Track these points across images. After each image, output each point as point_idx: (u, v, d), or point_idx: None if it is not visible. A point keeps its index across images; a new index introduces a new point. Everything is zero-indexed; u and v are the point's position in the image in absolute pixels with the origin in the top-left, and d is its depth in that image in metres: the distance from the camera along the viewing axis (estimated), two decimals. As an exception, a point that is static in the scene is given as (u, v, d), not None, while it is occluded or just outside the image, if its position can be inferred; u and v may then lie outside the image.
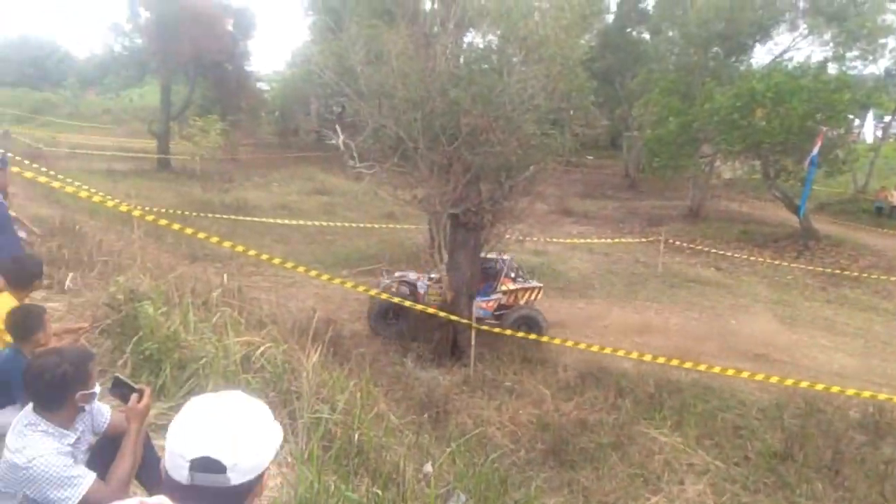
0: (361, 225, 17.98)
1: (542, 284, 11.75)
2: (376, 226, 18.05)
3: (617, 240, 19.79)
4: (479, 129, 7.61)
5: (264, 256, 10.75)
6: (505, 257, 11.36)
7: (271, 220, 18.54)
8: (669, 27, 25.63)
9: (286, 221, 18.47)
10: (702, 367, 8.56)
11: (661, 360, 8.79)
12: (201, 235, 11.12)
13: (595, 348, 9.32)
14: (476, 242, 9.85)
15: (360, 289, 10.39)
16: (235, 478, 1.28)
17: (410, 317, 10.17)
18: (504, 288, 11.15)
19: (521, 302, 11.17)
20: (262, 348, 4.37)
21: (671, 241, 18.38)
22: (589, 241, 19.37)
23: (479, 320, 9.71)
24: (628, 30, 30.87)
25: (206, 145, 26.14)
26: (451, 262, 9.73)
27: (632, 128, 28.91)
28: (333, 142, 8.31)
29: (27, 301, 3.72)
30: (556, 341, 9.60)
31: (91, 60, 45.76)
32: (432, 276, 10.84)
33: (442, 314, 9.42)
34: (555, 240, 18.44)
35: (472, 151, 7.89)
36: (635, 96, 26.41)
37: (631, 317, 13.19)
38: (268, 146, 35.98)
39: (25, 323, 3.12)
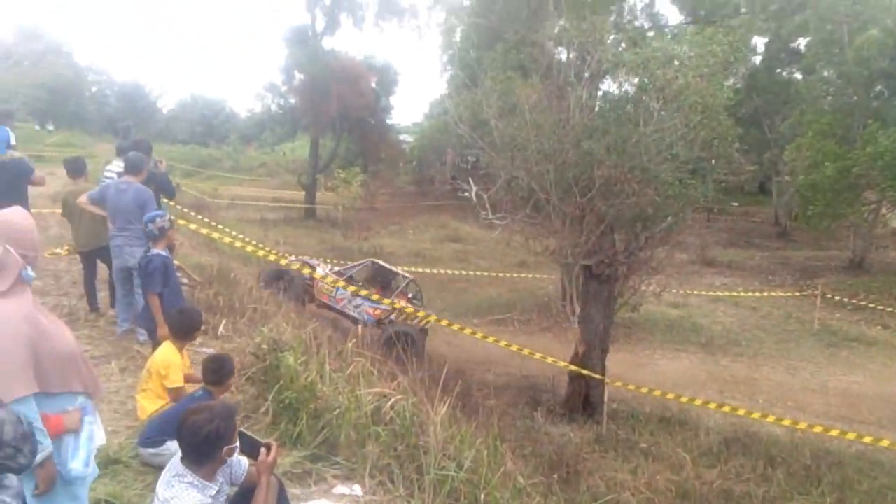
0: (493, 273, 18.02)
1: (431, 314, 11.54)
2: (508, 274, 18.04)
3: (766, 293, 18.34)
4: (613, 180, 7.44)
5: (397, 304, 11.06)
6: (409, 276, 12.43)
7: (406, 268, 19.07)
8: (824, 66, 23.94)
9: (420, 269, 18.90)
10: (867, 440, 7.63)
11: (819, 428, 7.95)
12: (341, 284, 11.71)
13: (741, 412, 8.60)
14: (610, 295, 9.54)
15: (491, 339, 10.34)
16: None
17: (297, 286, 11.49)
18: (397, 303, 11.31)
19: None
20: (392, 400, 4.42)
21: (829, 295, 16.76)
22: (734, 293, 18.12)
23: (356, 321, 10.14)
24: (778, 70, 29.21)
25: (348, 195, 27.62)
26: (583, 314, 9.48)
27: (782, 173, 27.02)
28: (467, 193, 8.44)
29: (187, 348, 4.06)
30: (698, 402, 8.96)
31: (251, 118, 50.28)
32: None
33: (573, 368, 9.15)
34: (696, 292, 17.45)
35: (606, 202, 7.71)
36: (786, 139, 24.72)
37: (783, 378, 12.12)
38: (405, 195, 37.42)
39: (222, 370, 3.53)
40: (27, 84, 38.00)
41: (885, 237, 24.64)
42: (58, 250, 8.46)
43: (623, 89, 8.15)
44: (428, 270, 18.87)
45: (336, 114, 27.11)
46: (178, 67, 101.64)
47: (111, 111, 56.31)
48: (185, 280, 7.74)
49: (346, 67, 27.17)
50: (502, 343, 10.22)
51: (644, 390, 9.32)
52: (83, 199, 5.71)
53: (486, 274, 18.38)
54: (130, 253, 5.53)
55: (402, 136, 39.78)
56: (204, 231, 10.61)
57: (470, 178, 8.85)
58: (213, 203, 28.57)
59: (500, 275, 17.99)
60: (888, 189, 17.54)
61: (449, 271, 19.07)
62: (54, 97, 44.97)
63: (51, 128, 48.87)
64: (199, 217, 15.62)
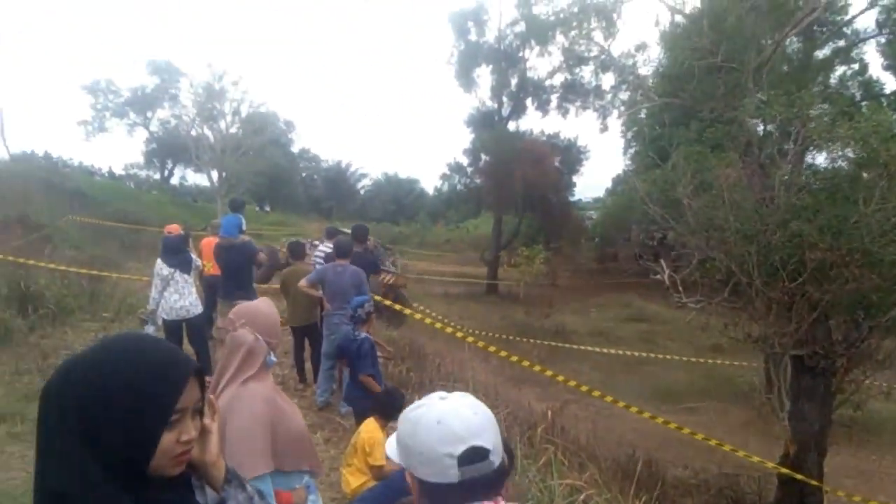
0: (684, 357, 16.89)
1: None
2: (701, 360, 16.82)
3: None
4: (828, 264, 6.76)
5: (584, 388, 10.74)
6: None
7: (589, 348, 18.55)
8: None
9: (603, 349, 18.29)
10: None
11: None
12: (525, 363, 11.66)
13: None
14: (826, 390, 8.51)
15: (685, 430, 9.62)
16: (496, 459, 1.34)
17: None
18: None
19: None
20: (584, 494, 4.26)
21: None
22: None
23: None
24: None
25: (530, 272, 27.82)
26: (794, 409, 8.53)
27: None
28: (658, 276, 8.13)
29: (389, 427, 4.26)
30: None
31: (438, 197, 53.09)
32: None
33: (784, 471, 8.18)
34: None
35: (819, 288, 7.00)
36: None
37: None
38: (586, 272, 36.93)
39: None
40: (251, 171, 43.62)
41: None
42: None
43: (836, 165, 7.48)
44: (612, 351, 18.19)
45: (520, 193, 27.79)
46: (375, 149, 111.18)
47: (317, 193, 62.69)
48: (380, 354, 8.21)
49: (531, 148, 27.95)
50: (699, 436, 9.44)
51: (872, 504, 8.06)
52: (303, 282, 6.35)
53: (676, 357, 17.28)
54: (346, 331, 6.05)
55: (584, 213, 39.66)
56: (397, 307, 11.24)
57: (661, 260, 8.52)
58: (402, 278, 30.31)
59: (692, 359, 16.81)
60: None
61: (636, 353, 18.22)
62: (271, 182, 51.09)
63: (267, 209, 55.41)
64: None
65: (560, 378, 11.09)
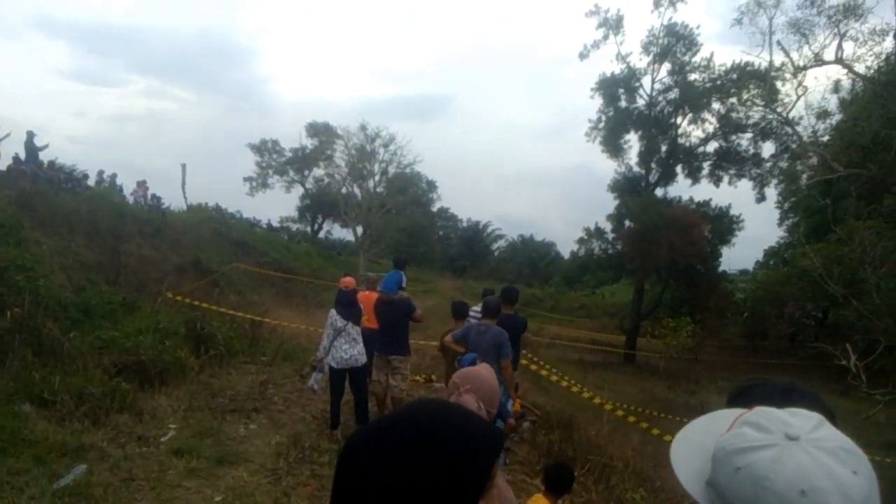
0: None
1: None
2: (877, 458, 14.90)
3: None
4: None
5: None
6: None
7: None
8: None
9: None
10: None
11: None
12: (668, 438, 10.90)
13: None
14: None
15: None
16: None
17: None
18: None
19: None
20: None
21: None
22: None
23: None
24: None
25: (675, 344, 26.44)
26: None
27: None
28: (844, 362, 7.37)
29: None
30: None
31: (574, 261, 52.30)
32: None
33: None
34: None
35: None
36: None
37: None
38: (733, 348, 34.42)
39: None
40: (392, 229, 45.56)
41: None
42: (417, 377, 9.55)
43: None
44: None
45: (664, 262, 26.76)
46: (512, 211, 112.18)
47: (453, 252, 64.03)
48: (529, 417, 8.02)
49: (679, 216, 26.96)
50: None
51: None
52: (448, 338, 6.41)
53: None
54: None
55: (732, 285, 37.35)
56: (533, 367, 11.02)
57: (848, 346, 7.74)
58: (535, 340, 29.82)
59: (875, 459, 14.87)
60: None
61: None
62: (410, 239, 52.92)
63: (406, 264, 57.21)
64: (527, 354, 16.39)
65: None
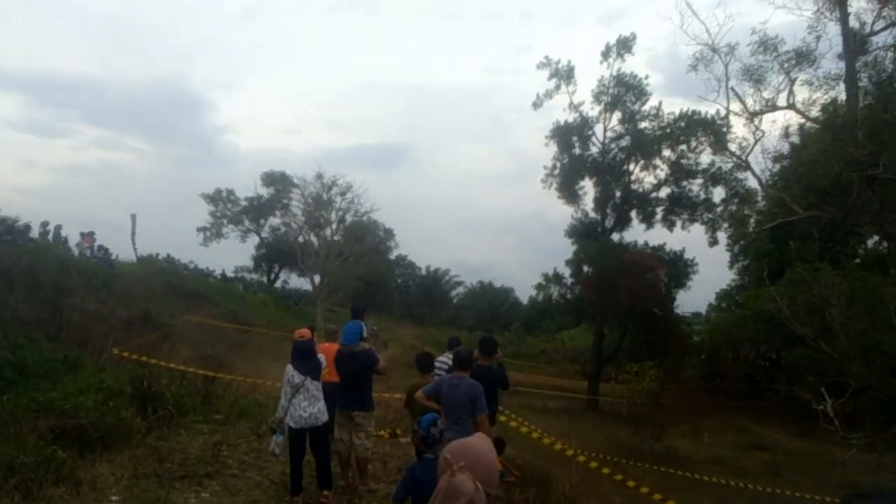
0: (828, 499, 14.95)
1: None
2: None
3: None
4: None
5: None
6: None
7: (707, 478, 16.86)
8: None
9: (726, 481, 16.54)
10: None
11: None
12: (644, 490, 10.60)
13: None
14: None
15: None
16: None
17: None
18: None
19: None
20: None
21: None
22: None
23: None
24: None
25: (639, 389, 26.43)
26: None
27: None
28: (822, 407, 7.25)
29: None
30: None
31: (533, 307, 52.42)
32: None
33: None
34: None
35: None
36: None
37: None
38: (692, 392, 34.62)
39: None
40: (350, 277, 45.00)
41: None
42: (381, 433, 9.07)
43: None
44: (734, 483, 16.43)
45: (624, 306, 26.91)
46: (470, 258, 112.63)
47: (412, 299, 63.52)
48: (506, 478, 7.62)
49: (637, 260, 27.30)
50: None
51: None
52: (419, 393, 6.01)
53: (813, 497, 15.31)
54: None
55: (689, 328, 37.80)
56: (503, 419, 10.63)
57: (823, 389, 7.65)
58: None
59: (836, 501, 14.79)
60: None
61: (765, 489, 16.34)
62: (368, 287, 52.31)
63: (364, 313, 56.47)
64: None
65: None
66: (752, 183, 31.04)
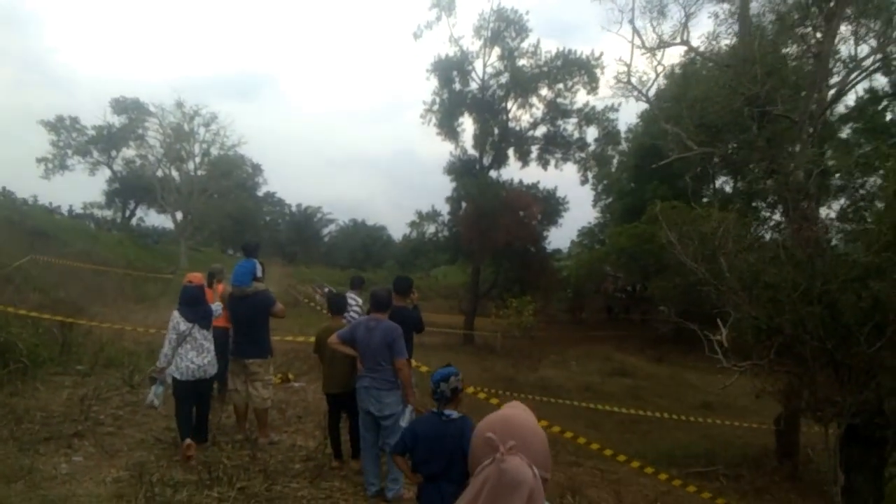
0: (684, 418, 16.25)
1: None
2: (701, 420, 16.21)
3: None
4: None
5: (608, 452, 10.01)
6: None
7: (581, 404, 17.80)
8: None
9: (596, 406, 17.56)
10: None
11: None
12: (542, 423, 10.85)
13: None
14: (879, 461, 7.98)
15: (721, 501, 8.93)
16: None
17: None
18: None
19: None
20: None
21: None
22: None
23: None
24: None
25: (518, 323, 27.30)
26: (847, 484, 7.92)
27: None
28: (718, 337, 7.54)
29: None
30: None
31: (408, 244, 52.43)
32: None
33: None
34: None
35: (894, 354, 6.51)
36: None
37: None
38: (559, 323, 36.51)
39: None
40: (217, 215, 42.40)
41: None
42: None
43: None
44: (604, 408, 17.48)
45: (501, 243, 27.40)
46: (343, 196, 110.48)
47: (282, 237, 61.41)
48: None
49: (515, 198, 27.71)
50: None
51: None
52: (334, 338, 5.51)
53: (673, 417, 16.60)
54: (377, 397, 5.18)
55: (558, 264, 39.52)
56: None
57: (719, 321, 7.96)
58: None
59: (693, 419, 16.17)
60: None
61: (627, 410, 17.53)
62: (237, 226, 49.83)
63: (230, 251, 53.93)
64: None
65: (581, 440, 10.37)
66: (622, 124, 32.38)
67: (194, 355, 5.91)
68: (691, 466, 13.84)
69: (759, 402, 15.13)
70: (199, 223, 38.98)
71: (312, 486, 5.40)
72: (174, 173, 38.21)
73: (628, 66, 11.99)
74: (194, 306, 6.04)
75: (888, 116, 20.89)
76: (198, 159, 38.33)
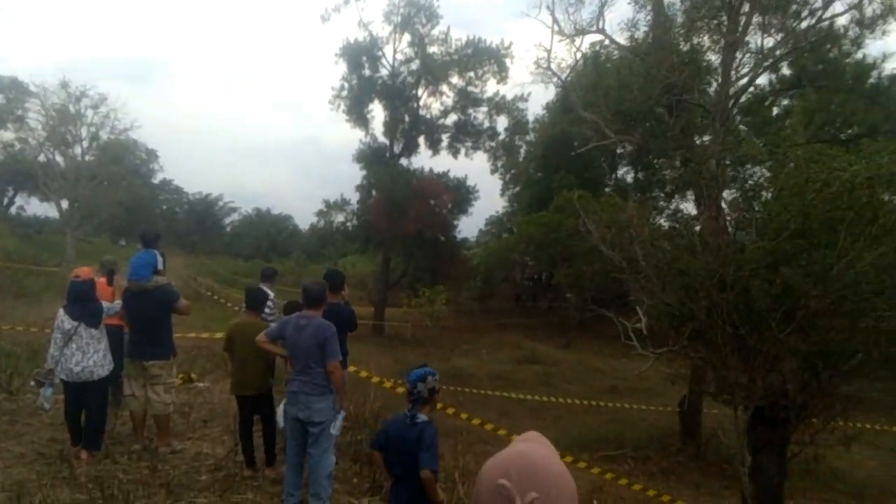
0: (594, 403, 16.63)
1: None
2: (608, 404, 16.64)
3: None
4: (818, 313, 6.48)
5: (502, 431, 9.96)
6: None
7: (492, 392, 17.88)
8: None
9: (507, 394, 17.70)
10: None
11: None
12: (438, 405, 10.68)
13: None
14: (782, 442, 8.31)
15: (637, 486, 9.08)
16: None
17: None
18: None
19: None
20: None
21: None
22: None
23: None
24: None
25: (430, 313, 27.13)
26: (754, 464, 8.20)
27: None
28: (637, 325, 7.55)
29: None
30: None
31: (315, 233, 51.18)
32: None
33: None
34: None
35: (805, 338, 6.71)
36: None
37: None
38: (469, 313, 36.73)
39: None
40: (107, 203, 39.65)
41: None
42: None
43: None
44: (515, 395, 17.65)
45: (412, 232, 27.13)
46: (245, 184, 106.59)
47: (180, 227, 58.42)
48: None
49: (425, 187, 27.46)
50: (650, 492, 8.93)
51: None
52: (262, 337, 4.97)
53: (580, 402, 16.93)
54: (307, 403, 4.70)
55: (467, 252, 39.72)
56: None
57: (638, 307, 7.99)
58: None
59: (601, 403, 16.56)
60: None
61: (538, 397, 17.78)
62: (129, 214, 46.89)
63: (122, 242, 50.76)
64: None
65: (489, 426, 10.27)
66: (530, 115, 32.77)
67: (80, 356, 5.29)
68: (601, 450, 14.16)
69: (663, 385, 15.74)
70: (86, 212, 36.22)
71: (222, 499, 4.88)
72: (59, 158, 35.29)
73: (548, 51, 11.97)
74: (82, 303, 5.38)
75: (775, 111, 22.20)
76: (85, 143, 35.51)
